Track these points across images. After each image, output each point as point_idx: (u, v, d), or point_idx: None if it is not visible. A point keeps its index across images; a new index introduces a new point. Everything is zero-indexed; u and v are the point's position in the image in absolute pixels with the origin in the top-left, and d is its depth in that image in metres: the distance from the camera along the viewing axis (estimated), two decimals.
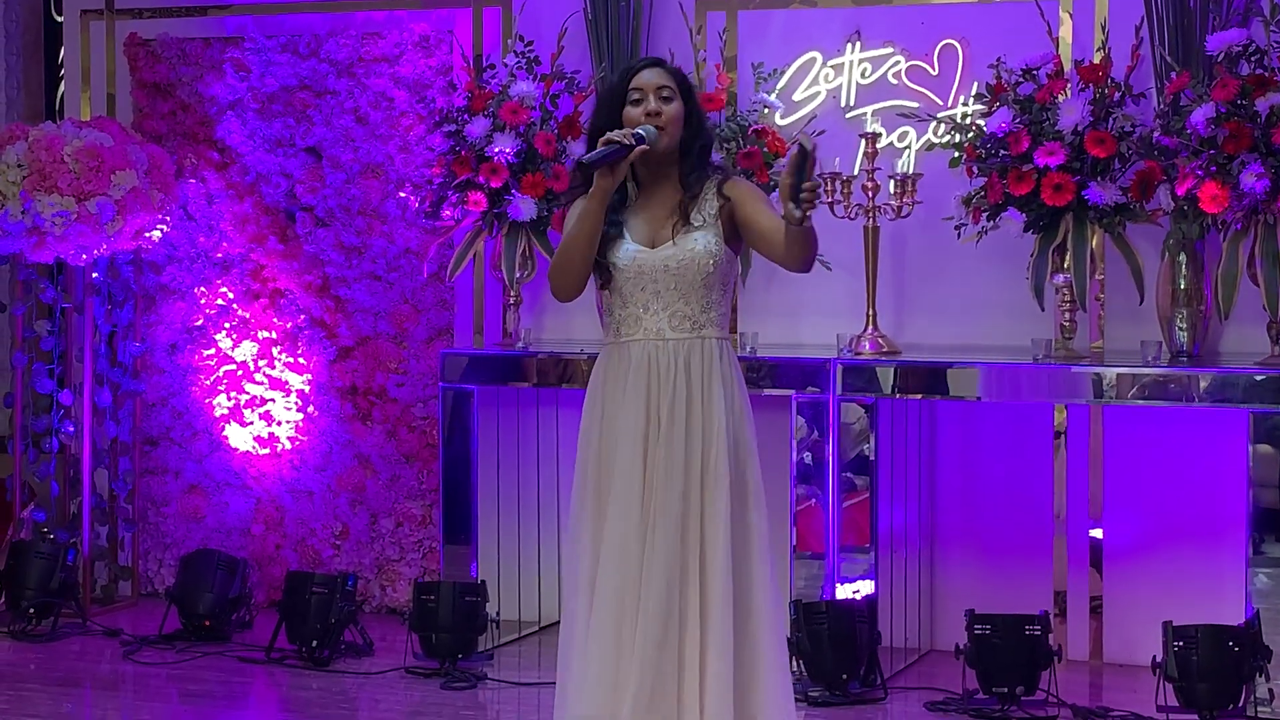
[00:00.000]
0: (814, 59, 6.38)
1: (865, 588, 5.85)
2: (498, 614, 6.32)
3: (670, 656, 4.06)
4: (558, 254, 4.15)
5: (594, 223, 4.09)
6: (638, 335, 4.15)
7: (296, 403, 7.03)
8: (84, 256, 6.72)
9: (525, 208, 6.26)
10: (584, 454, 4.20)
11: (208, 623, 6.47)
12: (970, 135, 5.91)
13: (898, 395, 5.87)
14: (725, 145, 6.17)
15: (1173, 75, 5.71)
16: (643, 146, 4.06)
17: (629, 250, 4.14)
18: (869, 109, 6.27)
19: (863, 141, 6.10)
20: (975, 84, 6.09)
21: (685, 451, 4.09)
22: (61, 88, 7.76)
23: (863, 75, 6.33)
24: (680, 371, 4.12)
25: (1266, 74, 5.50)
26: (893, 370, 5.85)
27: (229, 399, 7.11)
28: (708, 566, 4.09)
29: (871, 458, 5.86)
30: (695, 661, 4.07)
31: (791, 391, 5.91)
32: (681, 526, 4.07)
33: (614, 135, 4.05)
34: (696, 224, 4.16)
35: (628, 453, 4.11)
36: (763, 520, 4.20)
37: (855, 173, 6.09)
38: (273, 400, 7.06)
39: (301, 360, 7.02)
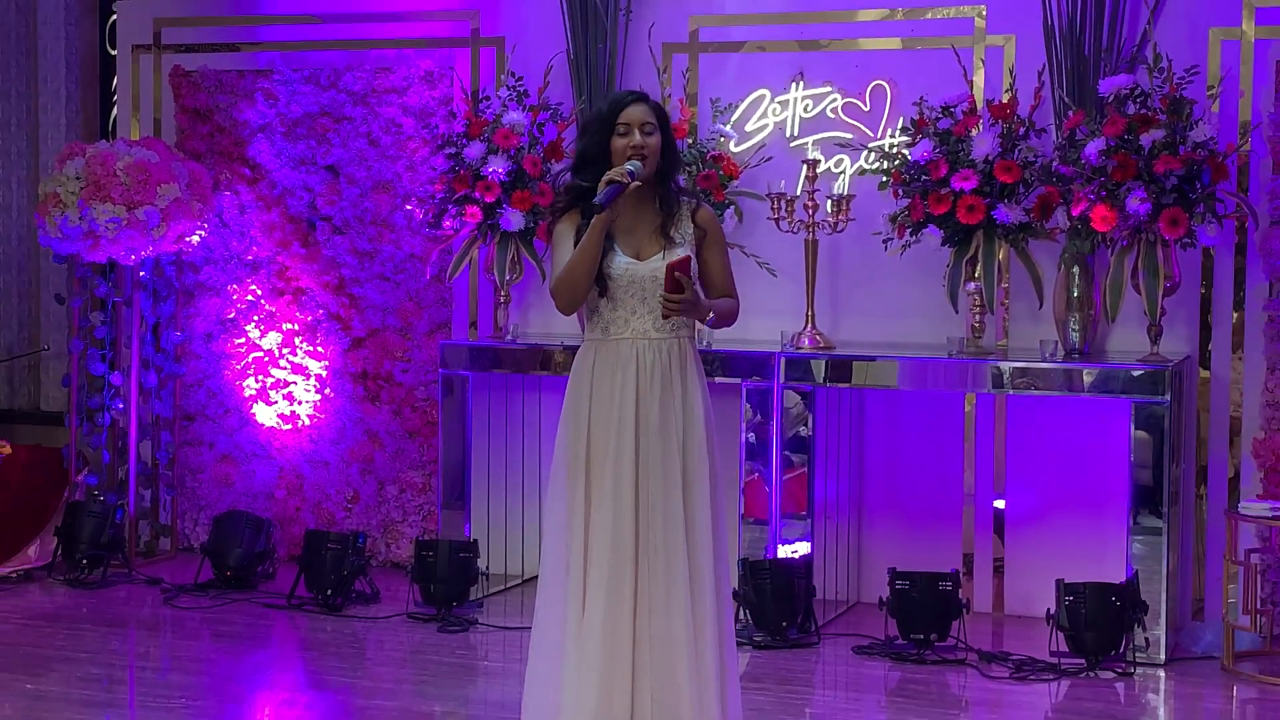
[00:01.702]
0: (764, 95, 6.37)
1: (802, 549, 5.85)
2: (487, 568, 6.31)
3: (676, 639, 4.02)
4: (564, 275, 4.05)
5: (597, 249, 4.03)
6: (626, 334, 4.10)
7: (315, 385, 7.00)
8: (133, 257, 6.69)
9: (514, 220, 6.24)
10: (572, 436, 4.12)
11: (237, 574, 6.46)
12: (896, 163, 5.91)
13: (831, 384, 5.87)
14: (687, 169, 6.14)
15: (1070, 113, 5.73)
16: (636, 182, 4.03)
17: (620, 262, 4.08)
18: (810, 139, 6.27)
19: (804, 167, 6.09)
20: (901, 119, 6.07)
21: (676, 438, 4.05)
22: (114, 112, 7.74)
23: (805, 110, 6.32)
24: (664, 367, 4.08)
25: (1149, 113, 5.51)
26: (826, 363, 5.85)
27: (257, 381, 7.08)
28: (695, 548, 4.05)
29: (808, 437, 5.86)
30: (689, 643, 4.03)
31: (741, 380, 5.90)
32: (674, 516, 4.03)
33: (613, 175, 3.99)
34: (678, 241, 4.13)
35: (620, 436, 4.05)
36: (722, 500, 4.17)
37: (798, 193, 6.09)
38: (294, 383, 7.03)
39: (320, 349, 6.99)
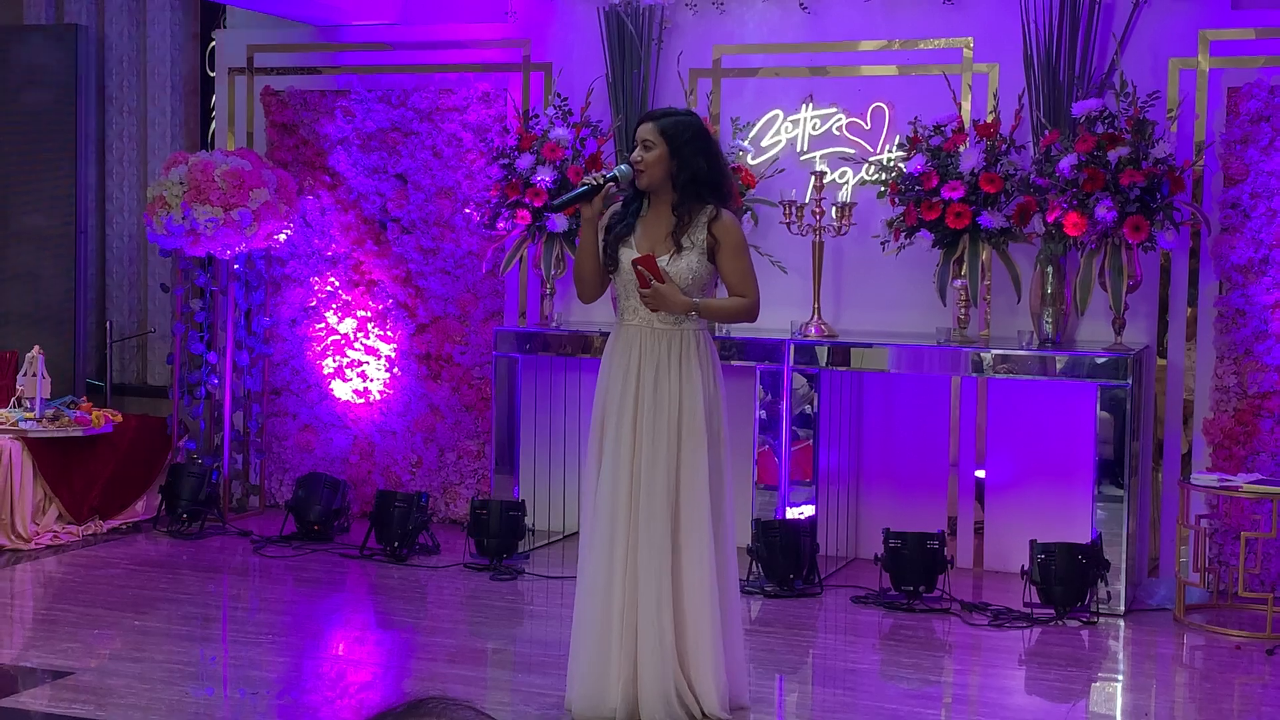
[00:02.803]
0: (777, 115, 6.35)
1: (808, 511, 5.85)
2: (533, 525, 6.34)
3: (663, 610, 3.98)
4: (574, 268, 4.10)
5: (589, 242, 4.03)
6: (635, 322, 4.10)
7: (385, 365, 7.01)
8: (228, 252, 6.71)
9: (559, 222, 6.24)
10: (596, 409, 4.14)
11: (317, 527, 6.47)
12: (893, 174, 5.91)
13: (834, 368, 5.86)
14: None
15: (1046, 132, 5.70)
16: (609, 184, 4.02)
17: (630, 256, 4.08)
18: (818, 153, 6.26)
19: (813, 178, 6.08)
20: (898, 136, 6.06)
21: (667, 417, 4.02)
22: (213, 126, 7.75)
23: (814, 128, 6.30)
24: (662, 353, 4.06)
25: (1116, 133, 5.49)
26: (830, 349, 5.84)
27: (334, 361, 7.09)
28: (682, 518, 4.01)
29: (814, 414, 5.86)
30: (672, 606, 4.00)
31: (755, 364, 5.90)
32: (665, 487, 4.00)
33: (586, 179, 4.03)
34: (686, 248, 4.08)
35: (620, 413, 4.04)
36: (726, 463, 4.14)
37: (807, 201, 6.06)
38: (367, 363, 7.04)
39: (389, 333, 7.00)
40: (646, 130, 4.06)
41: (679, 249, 4.07)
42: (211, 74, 7.74)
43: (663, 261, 4.05)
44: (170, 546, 6.42)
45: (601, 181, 4.01)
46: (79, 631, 5.06)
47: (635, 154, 4.05)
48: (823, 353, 5.84)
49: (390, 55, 7.00)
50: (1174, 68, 5.78)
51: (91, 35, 7.95)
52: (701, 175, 4.08)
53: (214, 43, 7.56)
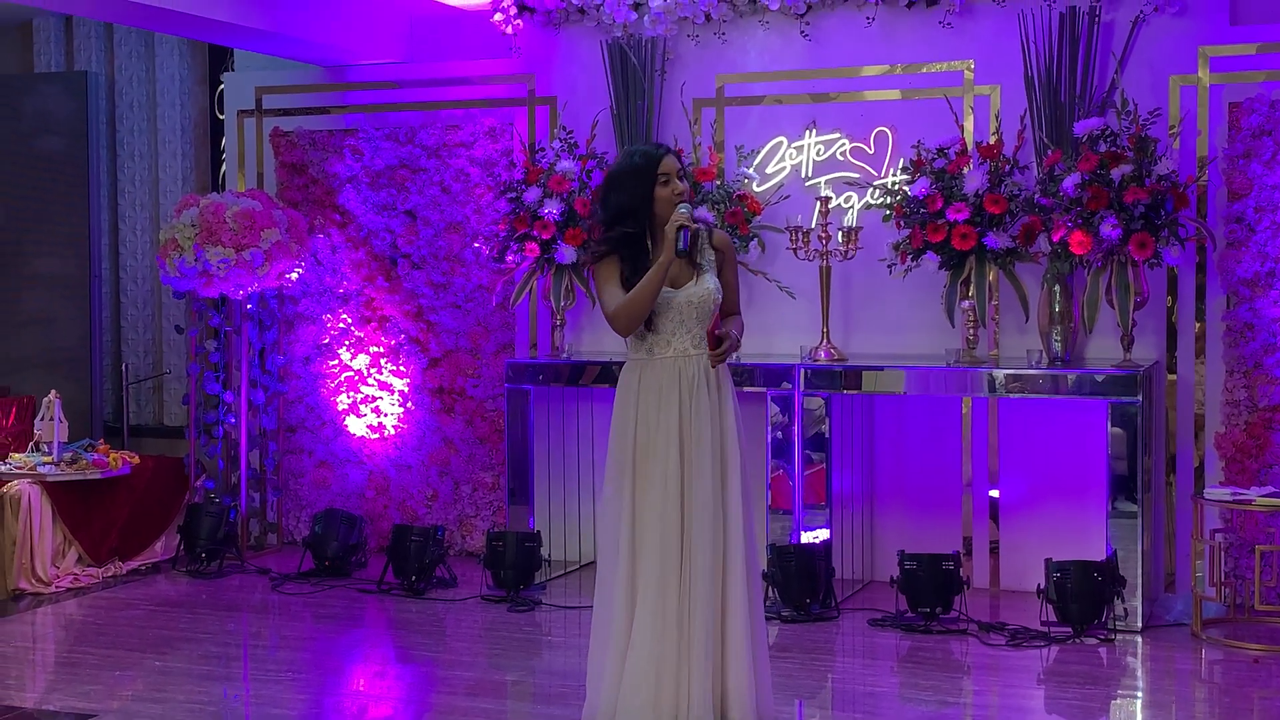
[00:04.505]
0: (781, 142, 6.34)
1: (822, 534, 5.82)
2: (549, 555, 6.31)
3: (716, 623, 4.01)
4: (630, 306, 4.00)
5: (661, 285, 4.01)
6: (669, 354, 4.07)
7: (398, 400, 7.00)
8: (241, 292, 6.72)
9: (568, 254, 6.25)
10: (621, 443, 4.09)
11: (334, 563, 6.45)
12: (898, 198, 5.89)
13: (845, 391, 5.84)
14: (716, 206, 6.15)
15: (1049, 152, 5.70)
16: (697, 224, 4.08)
17: (670, 293, 4.07)
18: (823, 179, 6.24)
19: (818, 203, 6.06)
20: (901, 160, 6.04)
21: (713, 441, 4.04)
22: (223, 167, 7.78)
23: (818, 154, 6.29)
24: (700, 382, 4.07)
25: (1119, 151, 5.48)
26: (841, 373, 5.82)
27: (348, 397, 7.08)
28: (730, 540, 4.05)
29: (826, 438, 5.84)
30: (730, 631, 4.03)
31: (766, 389, 5.88)
32: (715, 504, 4.02)
33: (684, 221, 3.97)
34: (705, 269, 4.12)
35: (667, 442, 4.03)
36: (745, 482, 4.15)
37: (813, 226, 6.05)
38: (381, 398, 7.03)
39: (402, 368, 6.99)
40: (675, 162, 4.11)
41: (699, 271, 4.11)
42: (221, 116, 7.78)
43: (689, 289, 4.08)
44: (189, 586, 6.40)
45: (694, 222, 4.04)
46: (101, 674, 5.04)
47: (677, 186, 4.05)
48: (834, 376, 5.81)
49: (397, 93, 7.02)
50: (1174, 85, 5.76)
51: (101, 81, 8.00)
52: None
53: (222, 86, 7.60)
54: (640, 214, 4.06)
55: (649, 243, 4.10)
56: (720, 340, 4.06)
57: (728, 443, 4.09)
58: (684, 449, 4.04)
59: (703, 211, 5.92)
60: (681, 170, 4.11)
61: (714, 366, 4.07)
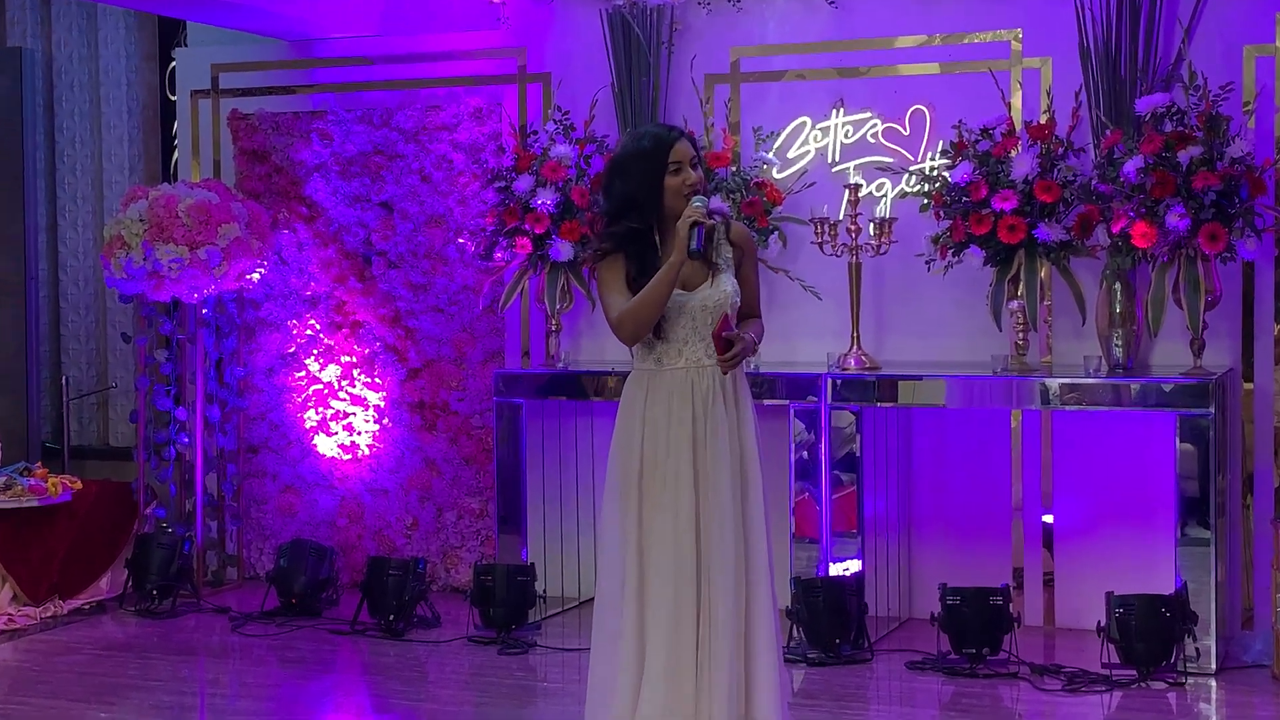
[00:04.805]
0: (805, 123, 6.37)
1: (853, 566, 5.83)
2: (544, 591, 6.32)
3: (739, 644, 4.05)
4: (636, 311, 4.00)
5: (672, 287, 4.01)
6: (680, 364, 4.08)
7: (374, 416, 7.03)
8: (195, 295, 6.74)
9: (564, 250, 6.27)
10: (625, 460, 4.10)
11: (302, 601, 6.47)
12: (937, 185, 5.90)
13: (879, 404, 5.86)
14: (732, 195, 6.18)
15: (1107, 132, 5.71)
16: (715, 219, 4.06)
17: (682, 295, 4.07)
18: (851, 164, 6.25)
19: (846, 191, 6.09)
20: (941, 142, 6.07)
21: (730, 458, 4.06)
22: (175, 155, 7.80)
23: (846, 136, 6.31)
24: (716, 394, 4.07)
25: (1186, 131, 5.49)
26: (874, 383, 5.84)
27: (317, 413, 7.12)
28: (751, 559, 4.08)
29: (857, 456, 5.85)
30: (752, 655, 4.08)
31: (789, 401, 5.89)
32: (734, 524, 4.05)
33: (697, 217, 3.95)
34: (722, 268, 4.12)
35: (679, 460, 4.04)
36: (766, 506, 4.19)
37: (841, 217, 6.08)
38: (354, 414, 7.07)
39: (378, 380, 7.02)
40: (689, 147, 4.08)
41: (715, 271, 4.11)
42: (172, 98, 7.79)
43: (704, 291, 4.09)
44: (139, 627, 6.42)
45: (708, 218, 4.01)
46: None
47: (690, 177, 4.04)
48: (866, 387, 5.84)
49: (370, 70, 7.05)
50: (1249, 56, 5.79)
51: (38, 59, 8.02)
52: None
53: (174, 63, 7.62)
54: (648, 206, 4.06)
55: (657, 238, 4.10)
56: (730, 343, 4.04)
57: (748, 463, 4.11)
58: (698, 471, 4.05)
59: (717, 202, 5.92)
60: (696, 158, 4.08)
61: (724, 373, 4.07)
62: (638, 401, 4.12)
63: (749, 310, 4.24)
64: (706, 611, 4.03)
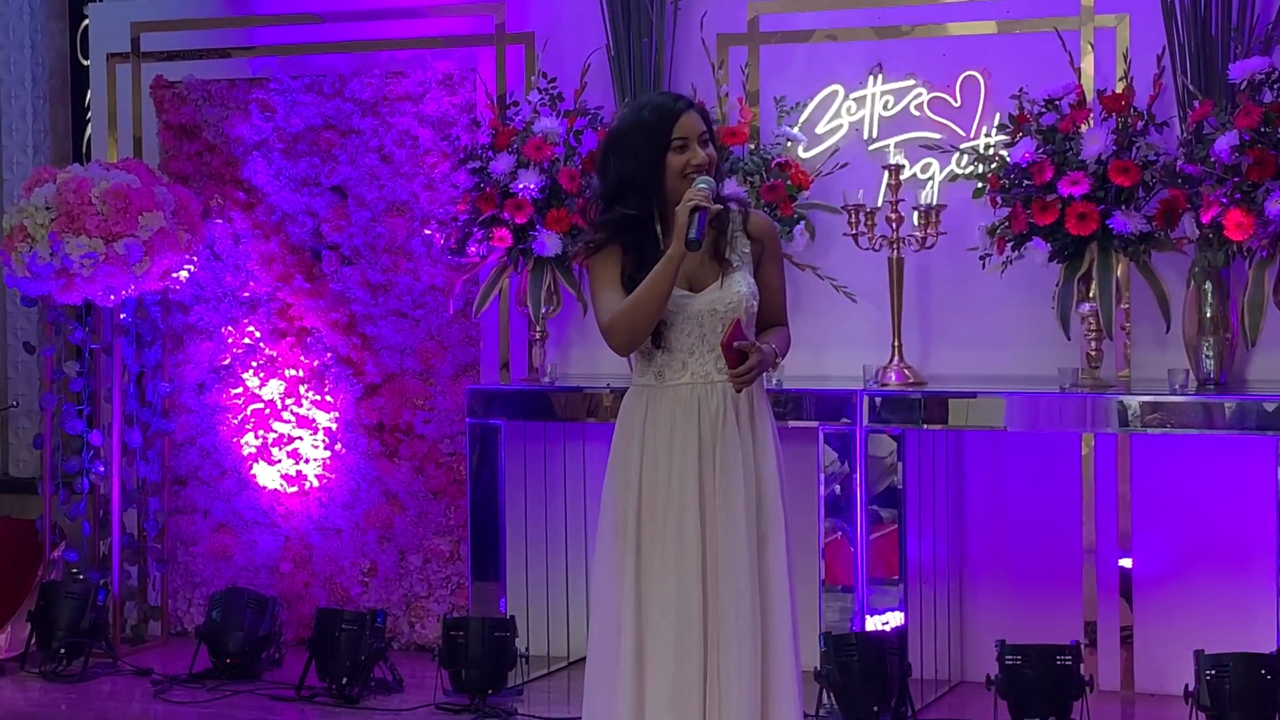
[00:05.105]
0: (836, 92, 6.38)
1: (895, 619, 5.81)
2: (527, 649, 6.33)
3: (756, 685, 4.04)
4: (629, 313, 4.01)
5: (671, 284, 4.00)
6: (684, 379, 4.10)
7: (324, 440, 7.03)
8: (112, 297, 6.73)
9: (550, 243, 6.26)
10: (621, 494, 4.12)
11: (238, 661, 6.45)
12: (994, 166, 5.91)
13: (925, 426, 5.83)
14: (749, 178, 6.19)
15: (1195, 104, 5.70)
16: (719, 206, 4.04)
17: (673, 296, 4.05)
18: (892, 141, 6.27)
19: (886, 173, 6.08)
20: (997, 115, 6.07)
21: (744, 494, 4.05)
22: (88, 130, 7.85)
23: (885, 107, 6.33)
24: (728, 414, 4.07)
25: None
26: (920, 401, 5.81)
27: (257, 437, 7.11)
28: (770, 616, 4.07)
29: (899, 489, 5.83)
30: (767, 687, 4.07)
31: (818, 424, 5.88)
32: (750, 573, 4.04)
33: (698, 201, 3.94)
34: (735, 264, 4.12)
35: (683, 494, 4.05)
36: (789, 551, 4.18)
37: (879, 204, 6.07)
38: (300, 438, 7.06)
39: (329, 398, 7.02)
40: (698, 121, 4.08)
41: (727, 268, 4.10)
42: (85, 63, 7.83)
43: (712, 292, 4.09)
44: (43, 693, 6.39)
45: (712, 203, 3.99)
46: None
47: (697, 156, 4.05)
48: (910, 406, 5.80)
49: (320, 30, 7.05)
50: None
51: None
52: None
53: (86, 21, 7.68)
54: (648, 189, 4.07)
55: (659, 228, 4.12)
56: (744, 354, 4.00)
57: (767, 498, 4.11)
58: (705, 504, 4.05)
59: (733, 186, 5.93)
60: (707, 132, 4.09)
61: (737, 391, 4.06)
62: (636, 423, 4.14)
63: (771, 316, 4.24)
64: (716, 683, 4.03)
